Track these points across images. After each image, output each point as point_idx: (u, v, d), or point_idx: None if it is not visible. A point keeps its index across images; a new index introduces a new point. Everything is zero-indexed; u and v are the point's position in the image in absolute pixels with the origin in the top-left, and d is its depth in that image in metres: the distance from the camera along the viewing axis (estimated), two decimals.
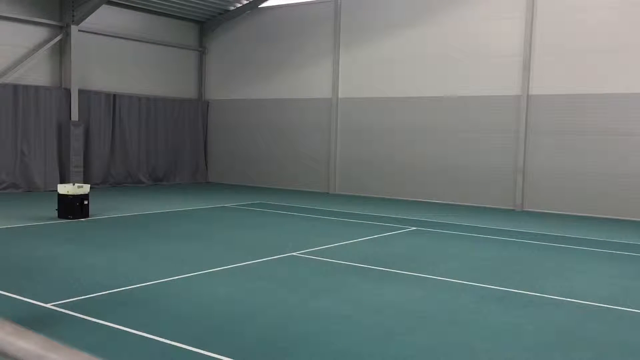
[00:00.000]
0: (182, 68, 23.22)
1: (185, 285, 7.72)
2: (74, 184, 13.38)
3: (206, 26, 23.50)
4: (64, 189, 13.04)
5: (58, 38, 18.97)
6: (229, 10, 22.63)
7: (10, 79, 18.08)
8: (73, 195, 12.90)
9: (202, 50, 23.70)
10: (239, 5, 22.28)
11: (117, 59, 20.96)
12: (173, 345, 5.43)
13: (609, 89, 15.54)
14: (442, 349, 5.61)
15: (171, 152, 22.69)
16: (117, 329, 5.83)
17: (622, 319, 6.85)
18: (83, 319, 6.12)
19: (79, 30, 19.22)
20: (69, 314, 6.27)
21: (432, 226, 13.53)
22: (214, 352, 5.26)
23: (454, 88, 17.92)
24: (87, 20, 19.16)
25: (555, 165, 16.46)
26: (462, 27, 17.77)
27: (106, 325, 5.93)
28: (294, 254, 9.91)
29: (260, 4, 21.90)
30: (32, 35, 18.55)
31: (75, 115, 19.24)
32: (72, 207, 12.91)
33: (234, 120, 23.08)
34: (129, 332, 5.76)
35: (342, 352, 5.43)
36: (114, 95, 20.79)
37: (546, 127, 16.50)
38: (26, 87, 18.36)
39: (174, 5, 21.50)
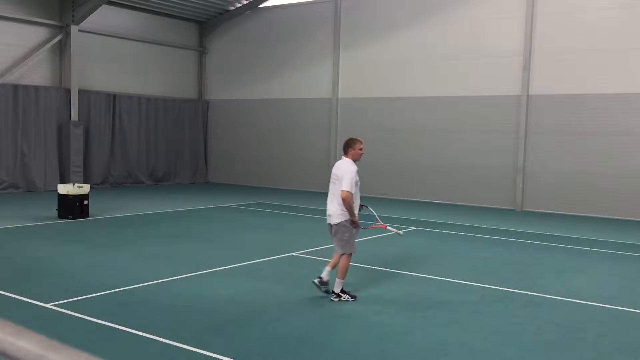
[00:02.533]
0: (182, 68, 23.22)
1: (185, 285, 7.71)
2: (74, 184, 13.38)
3: (206, 26, 23.50)
4: (64, 189, 13.03)
5: (58, 38, 18.97)
6: (229, 10, 22.63)
7: (10, 79, 18.08)
8: (73, 195, 12.89)
9: (202, 50, 23.70)
10: (239, 5, 22.28)
11: (117, 59, 20.95)
12: (173, 345, 5.43)
13: (609, 89, 15.53)
14: (442, 349, 5.61)
15: (171, 152, 22.68)
16: (117, 329, 5.83)
17: (622, 319, 6.85)
18: (83, 319, 6.12)
19: (79, 30, 19.21)
20: (69, 314, 6.26)
21: (432, 226, 13.53)
22: (214, 352, 5.25)
23: (454, 88, 17.91)
24: (87, 20, 19.15)
25: (555, 165, 16.45)
26: (462, 27, 17.76)
27: (106, 325, 5.93)
28: (294, 254, 9.91)
29: (260, 4, 21.89)
30: (32, 35, 18.54)
31: (75, 115, 19.23)
32: (72, 207, 12.90)
33: (234, 120, 23.07)
34: (129, 332, 5.76)
35: (342, 352, 5.43)
36: (114, 95, 20.78)
37: (546, 127, 16.49)
38: (26, 87, 18.36)
39: (174, 5, 21.50)
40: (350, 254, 7.18)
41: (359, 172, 7.24)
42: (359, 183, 7.17)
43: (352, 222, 7.07)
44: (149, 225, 12.84)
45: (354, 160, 7.22)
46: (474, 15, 17.57)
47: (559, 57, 16.21)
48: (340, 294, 7.09)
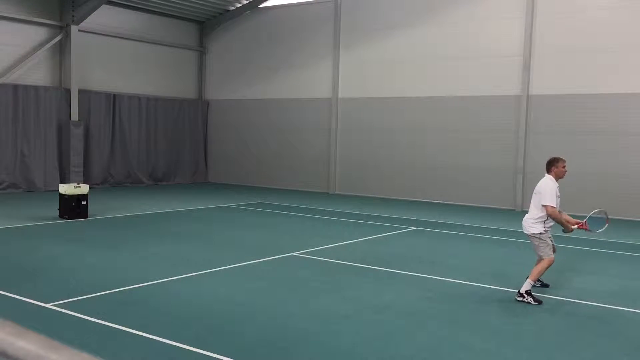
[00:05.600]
0: (182, 68, 23.22)
1: (185, 285, 7.72)
2: (78, 184, 13.35)
3: (206, 26, 23.50)
4: (62, 188, 13.03)
5: (58, 38, 18.96)
6: (229, 10, 22.63)
7: (10, 79, 18.08)
8: (69, 196, 12.86)
9: (202, 50, 23.70)
10: (239, 5, 22.28)
11: (117, 59, 20.95)
12: (173, 345, 5.42)
13: (609, 89, 15.53)
14: (442, 349, 5.61)
15: (171, 152, 22.68)
16: (117, 329, 5.83)
17: (622, 319, 6.85)
18: (83, 319, 6.12)
19: (79, 30, 19.21)
20: (69, 314, 6.26)
21: (432, 226, 13.53)
22: (214, 352, 5.25)
23: (454, 88, 17.91)
24: (87, 20, 19.15)
25: None
26: (462, 27, 17.76)
27: (106, 325, 5.93)
28: (294, 254, 9.91)
29: (260, 4, 21.89)
30: (32, 35, 18.54)
31: (75, 115, 19.23)
32: (69, 207, 12.87)
33: (234, 120, 23.08)
34: (129, 332, 5.76)
35: (342, 352, 5.43)
36: (114, 95, 20.78)
37: (546, 127, 16.49)
38: (26, 87, 18.36)
39: (174, 5, 21.50)
40: (550, 260, 7.47)
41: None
42: (559, 198, 7.54)
43: (567, 228, 7.49)
44: (148, 225, 12.84)
45: (557, 178, 7.64)
46: (474, 15, 17.57)
47: (559, 57, 16.21)
48: (525, 294, 7.24)
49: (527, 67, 16.62)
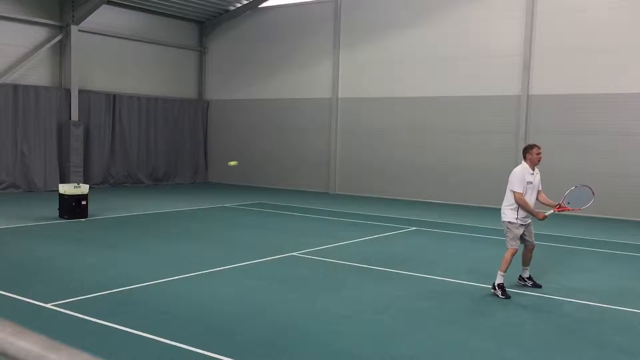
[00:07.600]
0: (182, 68, 23.22)
1: (185, 285, 7.72)
2: (78, 184, 13.35)
3: (206, 26, 23.50)
4: (62, 188, 13.02)
5: (58, 38, 18.96)
6: (229, 10, 22.63)
7: (10, 79, 18.08)
8: (68, 196, 12.86)
9: (202, 50, 23.70)
10: (239, 5, 22.28)
11: (117, 59, 20.95)
12: (173, 345, 5.42)
13: (609, 89, 15.53)
14: (442, 349, 5.61)
15: (171, 152, 22.68)
16: (117, 329, 5.83)
17: (621, 319, 6.85)
18: (83, 319, 6.12)
19: (79, 30, 19.22)
20: (69, 314, 6.26)
21: (432, 226, 13.53)
22: (214, 352, 5.25)
23: (454, 88, 17.91)
24: (87, 20, 19.15)
25: (555, 165, 16.43)
26: (462, 27, 17.76)
27: (106, 325, 5.93)
28: (294, 254, 9.91)
29: (260, 4, 21.89)
30: (32, 35, 18.54)
31: (75, 115, 19.23)
32: (68, 208, 12.86)
33: (234, 120, 23.08)
34: (129, 332, 5.76)
35: (342, 352, 5.43)
36: (114, 95, 20.78)
37: (546, 127, 16.49)
38: (26, 87, 18.36)
39: (174, 5, 21.50)
40: (513, 250, 7.63)
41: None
42: (532, 184, 7.65)
43: (536, 216, 7.61)
44: (148, 225, 12.84)
45: (534, 165, 7.72)
46: (474, 15, 17.57)
47: (559, 57, 16.21)
48: (497, 287, 7.49)
49: (527, 67, 16.62)
